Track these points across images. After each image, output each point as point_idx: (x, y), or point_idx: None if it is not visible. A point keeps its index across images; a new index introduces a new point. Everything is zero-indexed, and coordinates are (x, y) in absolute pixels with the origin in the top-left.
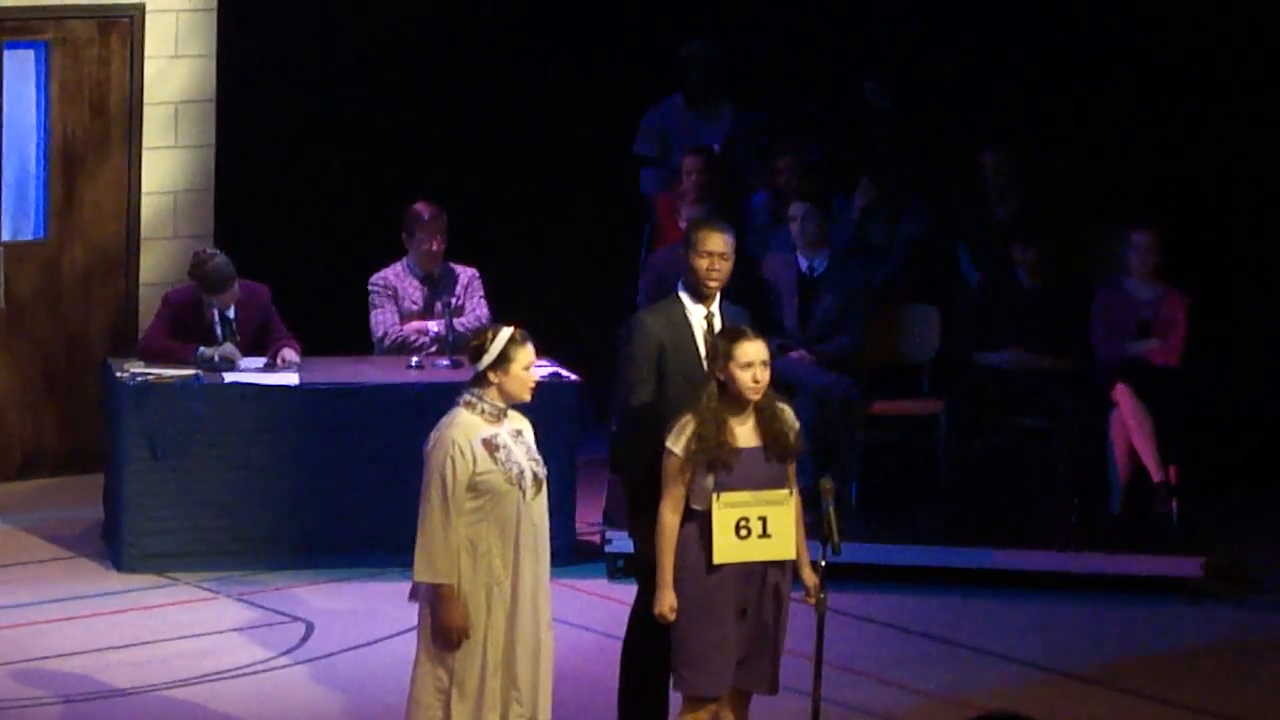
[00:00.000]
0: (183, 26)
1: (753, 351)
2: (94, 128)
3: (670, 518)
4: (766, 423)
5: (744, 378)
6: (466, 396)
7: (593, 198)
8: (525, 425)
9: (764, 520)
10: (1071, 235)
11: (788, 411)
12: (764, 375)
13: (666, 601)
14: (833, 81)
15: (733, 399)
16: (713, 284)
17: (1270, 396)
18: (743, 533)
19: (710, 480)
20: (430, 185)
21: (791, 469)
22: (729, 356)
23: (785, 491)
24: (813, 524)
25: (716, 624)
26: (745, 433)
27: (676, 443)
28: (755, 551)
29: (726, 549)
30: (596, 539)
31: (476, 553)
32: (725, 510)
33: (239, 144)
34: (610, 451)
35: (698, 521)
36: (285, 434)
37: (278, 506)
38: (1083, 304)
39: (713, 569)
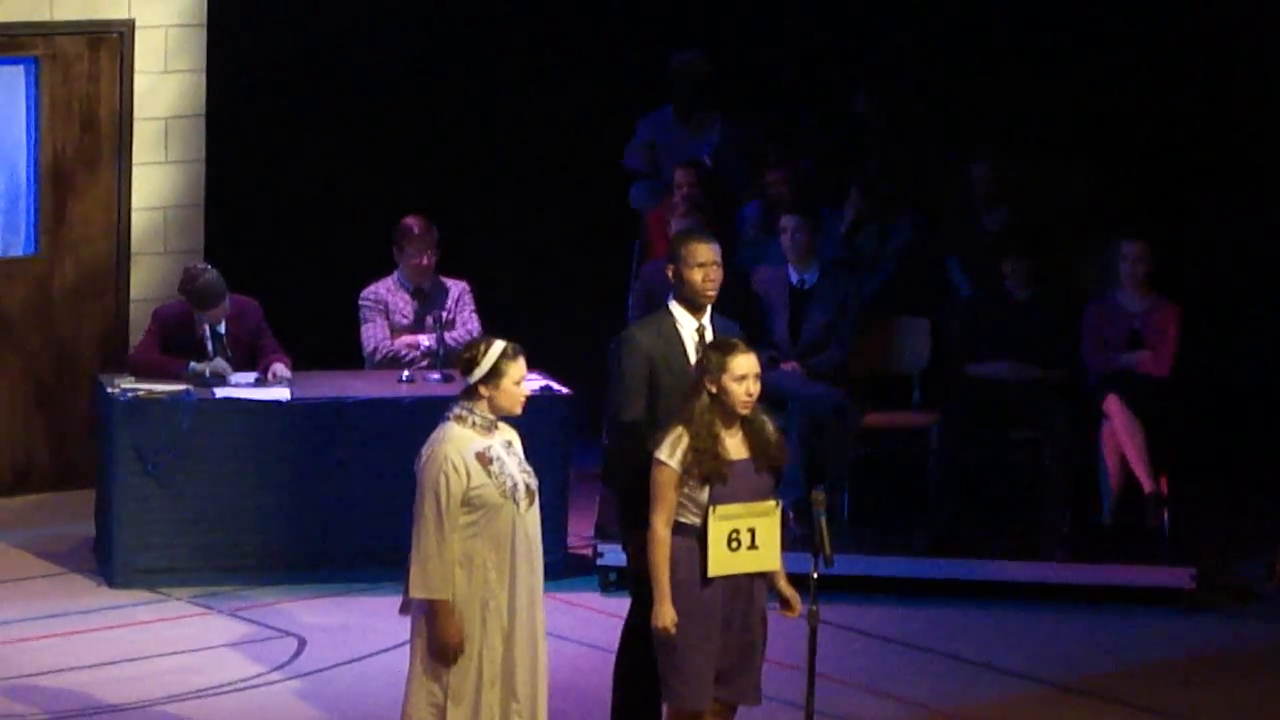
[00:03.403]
0: (172, 42)
1: (746, 364)
2: (84, 143)
3: (664, 530)
4: (754, 434)
5: (737, 391)
6: (457, 410)
7: (583, 211)
8: (514, 436)
9: (753, 532)
10: (1062, 247)
11: (769, 421)
12: (756, 389)
13: (668, 615)
14: (822, 93)
15: (723, 411)
16: (710, 294)
17: (1261, 407)
18: (734, 544)
19: (705, 494)
20: (421, 199)
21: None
22: (722, 369)
23: (772, 503)
24: (805, 536)
25: (706, 637)
26: (735, 445)
27: (671, 455)
28: (745, 563)
29: (720, 561)
30: (589, 552)
31: (471, 567)
32: (720, 523)
33: (229, 159)
34: (602, 465)
35: (686, 535)
36: (276, 449)
37: (269, 521)
38: (1073, 315)
39: (705, 582)
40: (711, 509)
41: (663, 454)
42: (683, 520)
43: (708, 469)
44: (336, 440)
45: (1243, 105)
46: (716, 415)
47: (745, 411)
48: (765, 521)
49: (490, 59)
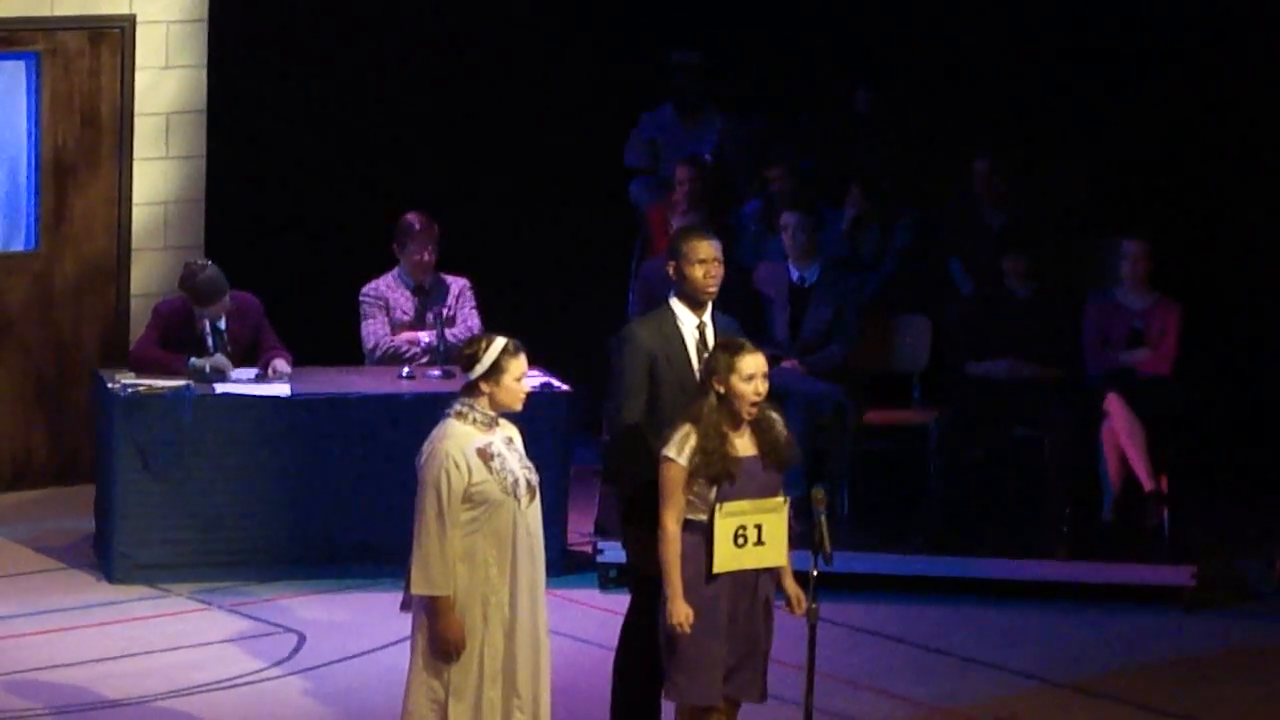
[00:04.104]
0: (173, 37)
1: (754, 365)
2: (85, 139)
3: (674, 528)
4: (762, 432)
5: (746, 391)
6: (458, 406)
7: (584, 208)
8: (515, 432)
9: (759, 528)
10: (1062, 245)
11: (779, 420)
12: (764, 389)
13: (681, 612)
14: (823, 90)
15: (730, 410)
16: (711, 290)
17: (1261, 405)
18: (740, 541)
19: (713, 492)
20: (422, 196)
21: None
22: (731, 369)
23: (780, 499)
24: (805, 534)
25: (712, 633)
26: (743, 443)
27: (680, 453)
28: (750, 559)
29: (726, 558)
30: (588, 549)
31: (473, 563)
32: (726, 520)
33: (230, 155)
34: (602, 462)
35: (693, 531)
36: (277, 445)
37: (269, 517)
38: (1074, 313)
39: (711, 579)
40: (718, 506)
41: (671, 451)
42: (691, 517)
43: (716, 469)
44: (337, 436)
45: (1244, 104)
46: (724, 415)
47: (752, 413)
48: (772, 518)
49: (492, 55)
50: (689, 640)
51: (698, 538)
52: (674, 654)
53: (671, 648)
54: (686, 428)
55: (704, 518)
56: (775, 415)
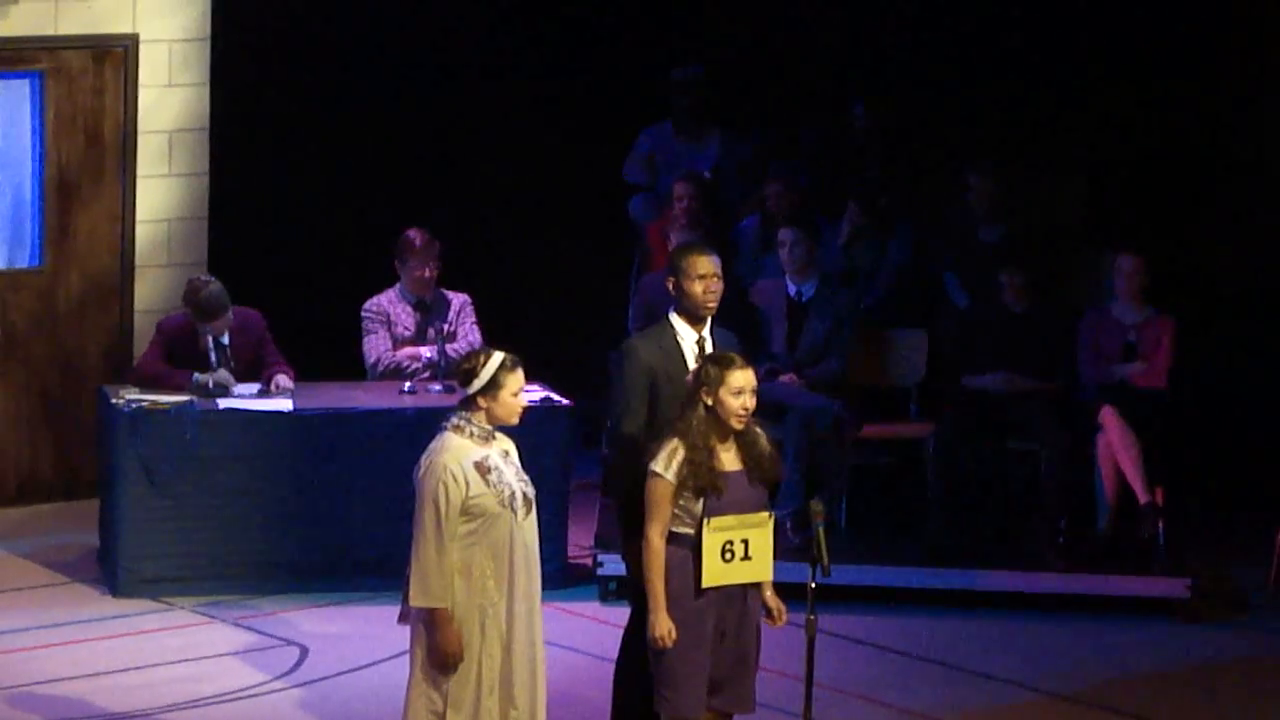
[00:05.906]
0: (176, 56)
1: (743, 379)
2: (88, 157)
3: (659, 542)
4: (748, 447)
5: (734, 405)
6: (455, 420)
7: (583, 224)
8: (511, 446)
9: (746, 543)
10: (1058, 259)
11: (763, 435)
12: (751, 403)
13: (664, 625)
14: (820, 107)
15: (718, 424)
16: (711, 305)
17: (1256, 418)
18: (727, 556)
19: (700, 506)
20: (422, 212)
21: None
22: (720, 383)
23: (766, 514)
24: (803, 546)
25: (698, 647)
26: (729, 458)
27: (667, 468)
28: (738, 574)
29: (713, 572)
30: (588, 562)
31: (470, 576)
32: (714, 534)
33: (233, 172)
34: (602, 475)
35: (680, 545)
36: (279, 459)
37: (272, 531)
38: (1069, 327)
39: (699, 593)
40: (706, 521)
41: (658, 466)
42: (677, 530)
43: (702, 481)
44: (339, 451)
45: (1238, 120)
46: (711, 427)
47: (739, 426)
48: (758, 533)
49: (491, 72)
50: (674, 654)
51: (684, 551)
52: (661, 667)
53: (658, 661)
54: (674, 442)
55: (690, 531)
56: (760, 431)
